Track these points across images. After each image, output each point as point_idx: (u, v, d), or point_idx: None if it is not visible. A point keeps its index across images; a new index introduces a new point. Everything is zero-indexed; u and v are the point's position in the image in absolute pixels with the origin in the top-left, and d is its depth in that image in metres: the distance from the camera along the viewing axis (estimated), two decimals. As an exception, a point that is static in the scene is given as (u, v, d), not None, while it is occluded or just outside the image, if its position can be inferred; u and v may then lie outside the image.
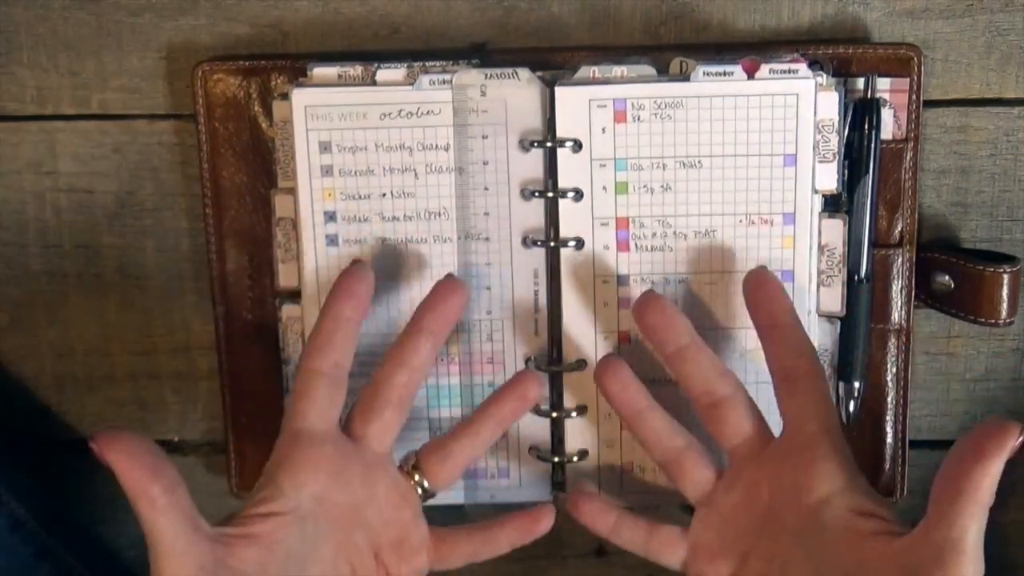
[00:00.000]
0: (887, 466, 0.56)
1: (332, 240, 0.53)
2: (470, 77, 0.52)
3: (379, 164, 0.52)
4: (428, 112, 0.52)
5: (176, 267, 0.58)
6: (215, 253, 0.56)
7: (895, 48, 0.52)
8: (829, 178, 0.52)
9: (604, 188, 0.52)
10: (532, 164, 0.52)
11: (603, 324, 0.53)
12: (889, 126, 0.53)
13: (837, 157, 0.52)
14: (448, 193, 0.53)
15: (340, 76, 0.52)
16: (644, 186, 0.52)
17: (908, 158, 0.53)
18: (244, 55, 0.55)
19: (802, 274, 0.52)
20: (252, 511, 0.46)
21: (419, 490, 0.50)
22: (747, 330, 0.52)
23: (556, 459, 0.55)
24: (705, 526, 0.49)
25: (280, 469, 0.48)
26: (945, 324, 0.56)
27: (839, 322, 0.53)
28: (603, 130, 0.51)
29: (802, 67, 0.51)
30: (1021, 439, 0.41)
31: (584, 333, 0.53)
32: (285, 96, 0.52)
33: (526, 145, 0.52)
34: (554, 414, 0.54)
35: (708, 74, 0.51)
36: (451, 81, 0.52)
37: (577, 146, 0.52)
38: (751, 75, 0.51)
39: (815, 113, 0.51)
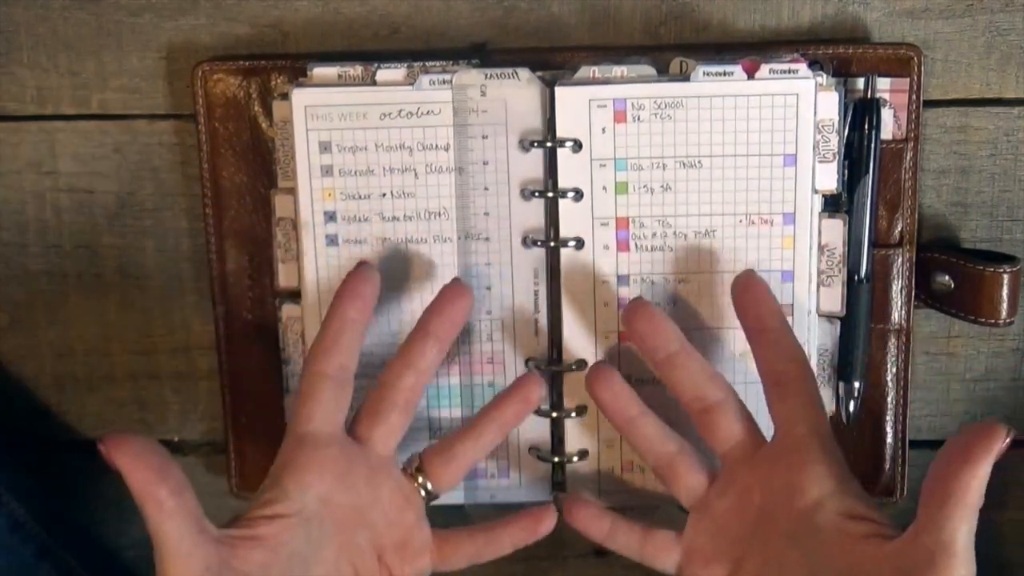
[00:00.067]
0: (887, 466, 0.56)
1: (332, 240, 0.53)
2: (470, 77, 0.52)
3: (379, 164, 0.52)
4: (428, 112, 0.52)
5: (176, 267, 0.58)
6: (215, 253, 0.56)
7: (895, 48, 0.52)
8: (829, 178, 0.52)
9: (604, 188, 0.52)
10: (532, 164, 0.52)
11: (603, 324, 0.53)
12: (889, 126, 0.53)
13: (837, 157, 0.52)
14: (448, 193, 0.53)
15: (340, 76, 0.52)
16: (644, 186, 0.52)
17: (908, 158, 0.53)
18: (244, 55, 0.55)
19: (802, 274, 0.52)
20: (257, 513, 0.46)
21: (422, 492, 0.50)
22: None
23: (556, 459, 0.55)
24: (699, 531, 0.49)
25: (285, 471, 0.48)
26: (945, 324, 0.56)
27: (839, 322, 0.53)
28: (603, 130, 0.51)
29: (802, 67, 0.51)
30: (1008, 440, 0.41)
31: (584, 333, 0.53)
32: (285, 96, 0.52)
33: (526, 145, 0.52)
34: (554, 414, 0.54)
35: (708, 74, 0.51)
36: (451, 81, 0.52)
37: (577, 146, 0.52)
38: (751, 75, 0.51)
39: (815, 113, 0.51)
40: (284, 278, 0.55)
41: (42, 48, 0.56)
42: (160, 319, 0.58)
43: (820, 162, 0.52)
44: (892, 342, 0.54)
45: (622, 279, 0.53)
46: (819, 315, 0.53)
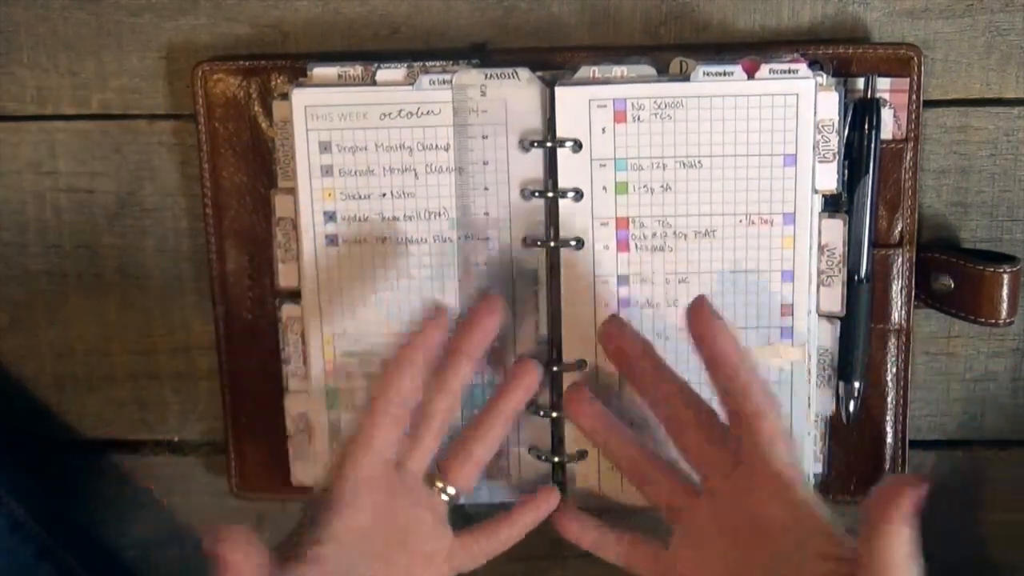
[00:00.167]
0: (887, 466, 0.56)
1: (332, 240, 0.53)
2: (470, 77, 0.52)
3: (379, 164, 0.52)
4: (428, 112, 0.52)
5: (176, 267, 0.58)
6: (215, 253, 0.56)
7: (895, 48, 0.52)
8: (829, 178, 0.52)
9: (604, 188, 0.52)
10: (532, 164, 0.52)
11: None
12: (889, 126, 0.53)
13: (837, 157, 0.52)
14: (448, 193, 0.53)
15: (340, 76, 0.52)
16: (644, 186, 0.52)
17: (908, 158, 0.53)
18: (244, 55, 0.55)
19: (802, 274, 0.52)
20: (306, 536, 0.47)
21: (445, 497, 0.51)
22: (747, 330, 0.52)
23: (556, 459, 0.55)
24: (683, 546, 0.49)
25: (334, 497, 0.48)
26: (945, 324, 0.56)
27: (839, 322, 0.53)
28: (603, 130, 0.51)
29: (802, 67, 0.51)
30: (920, 494, 0.41)
31: (584, 333, 0.53)
32: (285, 96, 0.52)
33: (526, 145, 0.52)
34: (554, 414, 0.54)
35: (708, 74, 0.51)
36: (451, 81, 0.52)
37: (577, 146, 0.52)
38: (751, 75, 0.51)
39: (815, 113, 0.51)
40: (284, 278, 0.55)
41: (42, 48, 0.56)
42: (160, 319, 0.58)
43: (820, 162, 0.52)
44: (892, 342, 0.54)
45: (622, 279, 0.53)
46: (819, 315, 0.53)
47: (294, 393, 0.55)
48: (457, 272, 0.53)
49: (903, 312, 0.54)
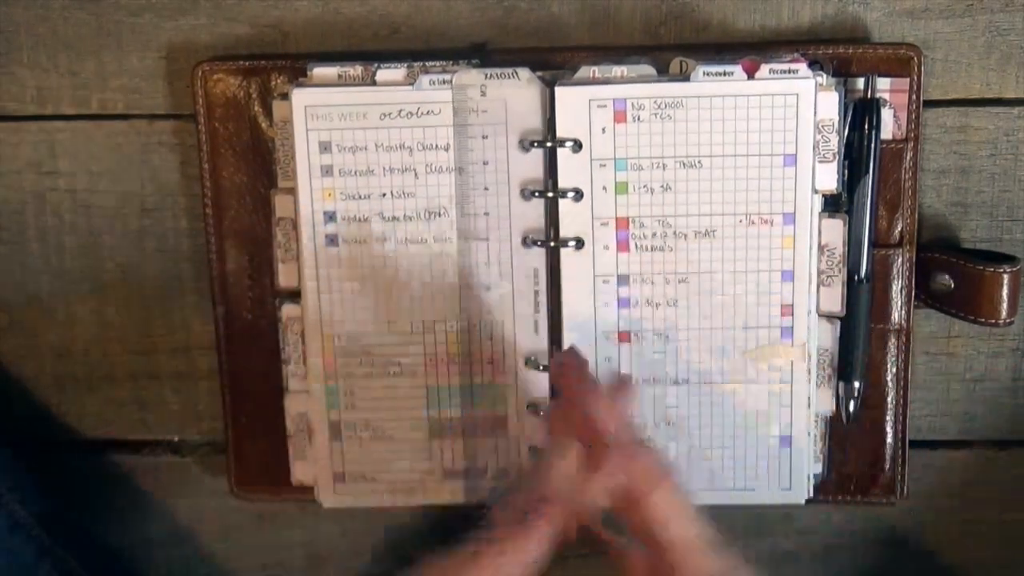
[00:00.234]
0: (887, 466, 0.56)
1: (332, 240, 0.53)
2: (470, 77, 0.52)
3: (379, 164, 0.52)
4: (428, 112, 0.52)
5: (176, 267, 0.58)
6: (215, 253, 0.56)
7: (895, 48, 0.52)
8: (829, 178, 0.52)
9: (604, 188, 0.52)
10: (532, 164, 0.52)
11: (603, 324, 0.53)
12: (889, 126, 0.53)
13: (837, 157, 0.52)
14: (448, 193, 0.53)
15: (340, 76, 0.52)
16: (644, 186, 0.52)
17: (908, 158, 0.53)
18: (244, 55, 0.55)
19: (802, 274, 0.52)
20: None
21: None
22: (747, 330, 0.52)
23: (556, 459, 0.55)
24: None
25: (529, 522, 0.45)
26: (945, 324, 0.56)
27: (839, 322, 0.53)
28: (603, 130, 0.51)
29: (802, 67, 0.51)
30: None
31: (584, 333, 0.53)
32: (285, 96, 0.52)
33: (526, 145, 0.52)
34: (554, 414, 0.54)
35: (708, 74, 0.51)
36: (451, 81, 0.52)
37: (577, 146, 0.52)
38: (751, 75, 0.51)
39: (815, 113, 0.51)
40: (284, 278, 0.55)
41: (42, 48, 0.56)
42: (160, 319, 0.58)
43: (820, 162, 0.52)
44: (892, 342, 0.54)
45: (622, 279, 0.53)
46: (819, 315, 0.53)
47: (294, 393, 0.55)
48: (457, 272, 0.53)
49: (903, 312, 0.54)
